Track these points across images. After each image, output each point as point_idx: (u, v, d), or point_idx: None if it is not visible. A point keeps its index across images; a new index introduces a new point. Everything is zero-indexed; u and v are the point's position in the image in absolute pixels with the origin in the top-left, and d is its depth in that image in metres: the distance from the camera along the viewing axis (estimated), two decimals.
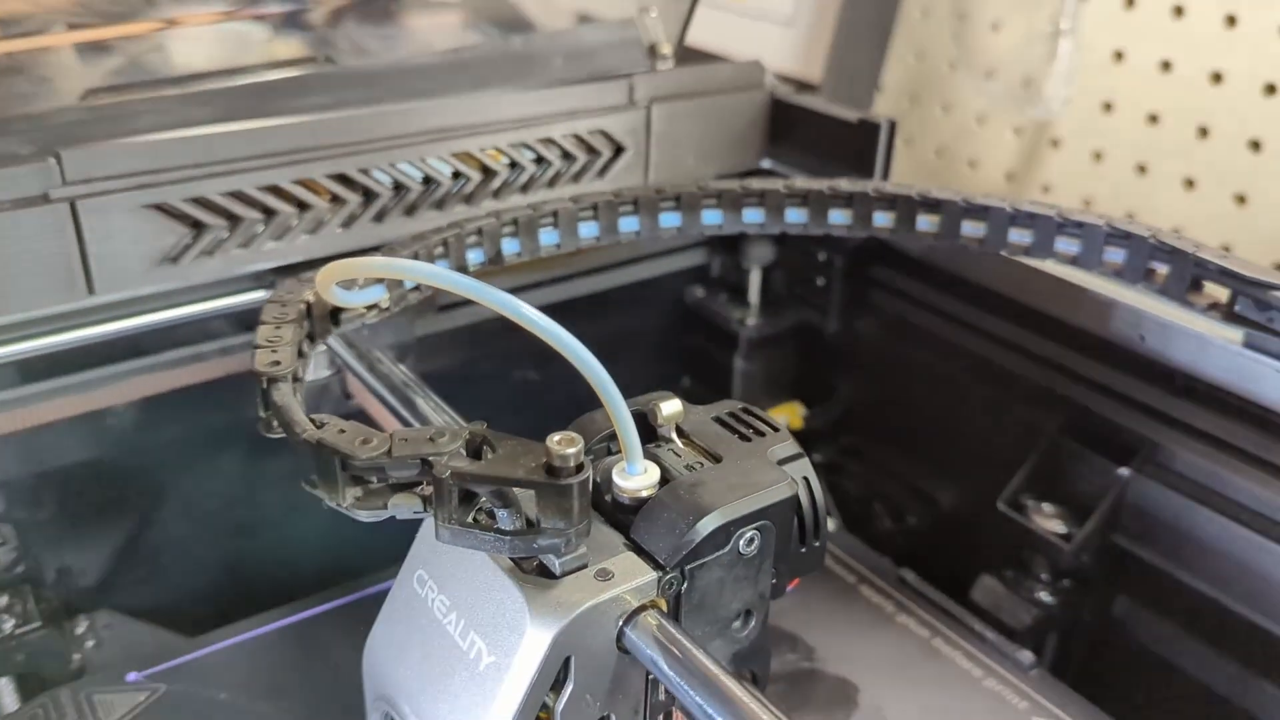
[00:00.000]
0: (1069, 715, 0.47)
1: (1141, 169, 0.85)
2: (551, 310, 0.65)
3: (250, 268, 0.50)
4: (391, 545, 0.40)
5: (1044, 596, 0.54)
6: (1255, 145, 0.77)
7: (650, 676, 0.33)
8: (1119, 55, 0.85)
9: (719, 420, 0.38)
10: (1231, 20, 0.77)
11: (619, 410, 0.32)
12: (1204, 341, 0.48)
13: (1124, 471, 0.52)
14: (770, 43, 1.01)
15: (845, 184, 0.51)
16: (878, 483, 0.65)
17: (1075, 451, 0.54)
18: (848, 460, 0.67)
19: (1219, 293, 0.45)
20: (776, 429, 0.38)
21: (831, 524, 0.59)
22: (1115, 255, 0.46)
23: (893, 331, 0.64)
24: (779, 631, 0.52)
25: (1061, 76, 0.84)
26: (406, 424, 0.46)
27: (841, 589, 0.55)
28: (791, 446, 0.37)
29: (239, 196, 0.49)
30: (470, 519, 0.31)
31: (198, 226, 0.48)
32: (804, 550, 0.37)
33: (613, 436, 0.34)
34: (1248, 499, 0.49)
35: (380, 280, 0.43)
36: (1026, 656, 0.50)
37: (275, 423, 0.34)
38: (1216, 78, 0.79)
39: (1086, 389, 0.55)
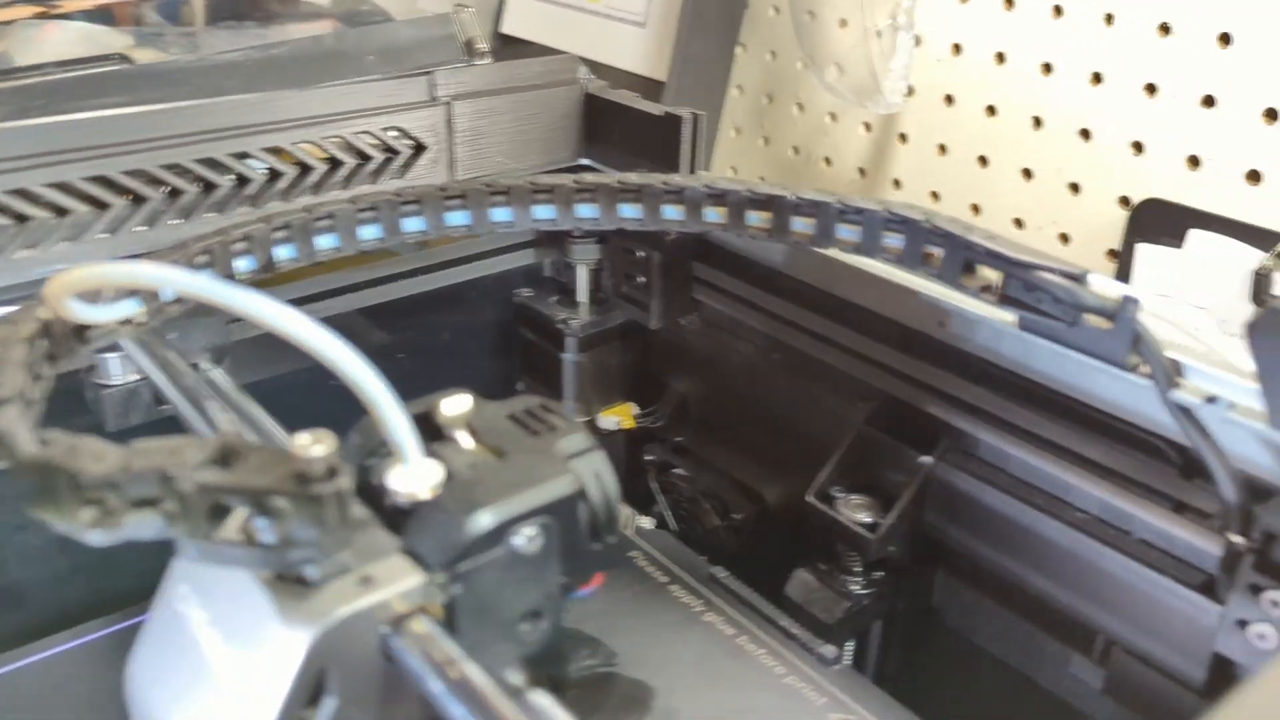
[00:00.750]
0: (865, 710, 0.46)
1: (983, 160, 0.86)
2: (375, 313, 0.62)
3: (41, 271, 0.48)
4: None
5: (855, 588, 0.54)
6: (1085, 134, 0.78)
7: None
8: (957, 48, 0.85)
9: (513, 417, 0.36)
10: (1059, 10, 0.78)
11: (381, 406, 0.31)
12: (995, 327, 0.48)
13: (926, 459, 0.52)
14: (624, 43, 1.00)
15: (635, 177, 0.50)
16: (707, 481, 0.64)
17: (881, 441, 0.54)
18: (678, 459, 0.66)
19: (993, 275, 0.44)
20: (570, 424, 0.37)
21: (647, 522, 0.58)
22: (894, 240, 0.46)
23: (715, 327, 0.64)
24: (579, 635, 0.50)
25: (899, 71, 0.85)
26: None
27: (651, 589, 0.53)
28: (582, 441, 0.36)
29: (25, 195, 0.46)
30: (226, 534, 0.29)
31: None
32: (598, 547, 0.36)
33: None
34: (1042, 481, 0.49)
35: (135, 291, 0.40)
36: (830, 651, 0.49)
37: None
38: (1047, 68, 0.80)
39: (892, 378, 0.54)
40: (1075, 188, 0.80)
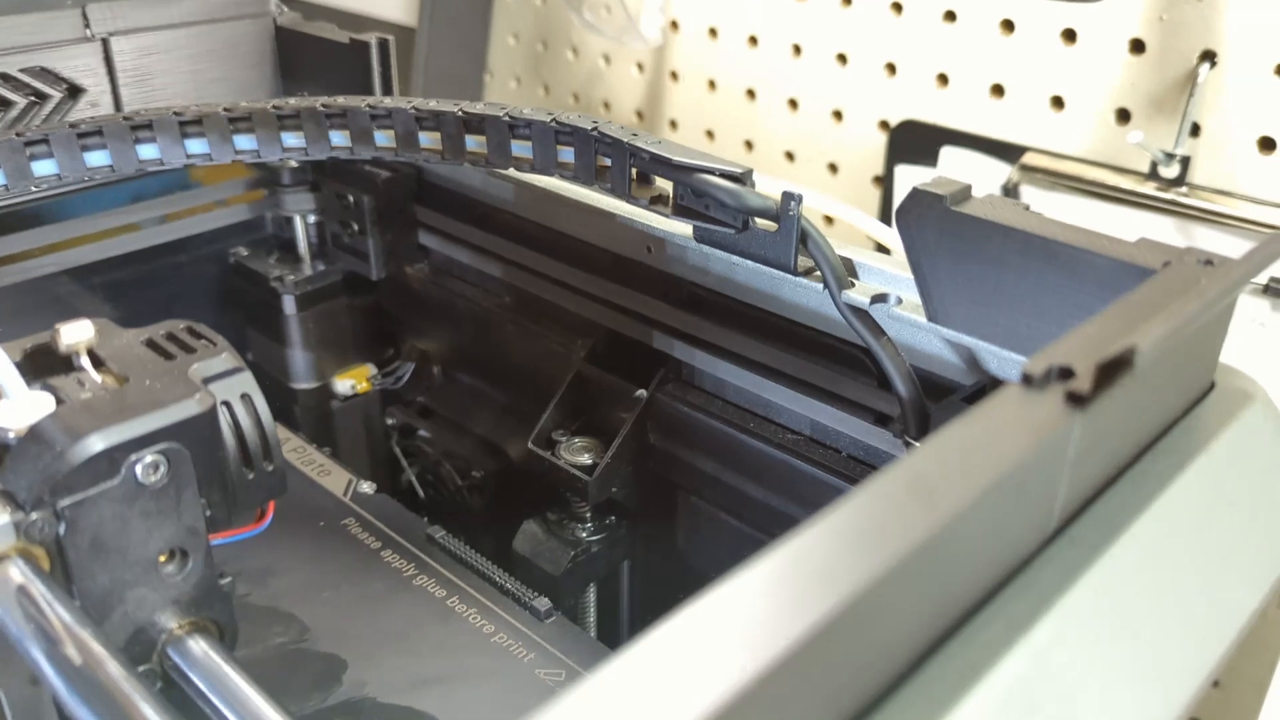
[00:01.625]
0: (576, 661, 0.43)
1: (751, 94, 0.83)
2: (72, 276, 0.55)
3: None
4: None
5: (584, 535, 0.51)
6: (842, 59, 0.77)
7: None
8: None
9: (150, 342, 0.33)
10: None
11: None
12: (691, 246, 0.45)
13: (641, 393, 0.49)
14: None
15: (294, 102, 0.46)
16: (447, 441, 0.60)
17: (599, 379, 0.51)
18: (419, 421, 0.62)
19: (667, 186, 0.41)
20: (214, 343, 0.34)
21: (367, 487, 0.53)
22: (567, 154, 0.42)
23: (444, 274, 0.59)
24: (273, 611, 0.46)
25: (655, 4, 0.81)
26: None
27: (361, 556, 0.49)
28: (227, 361, 0.33)
29: None
30: None
31: None
32: (252, 475, 0.33)
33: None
34: (755, 405, 0.47)
35: None
36: (543, 604, 0.46)
37: None
38: None
39: (609, 311, 0.51)
40: (838, 115, 0.78)
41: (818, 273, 0.39)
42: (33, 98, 0.50)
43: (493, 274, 0.57)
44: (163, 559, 0.31)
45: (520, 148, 0.43)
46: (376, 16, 0.93)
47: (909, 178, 0.73)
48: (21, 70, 0.49)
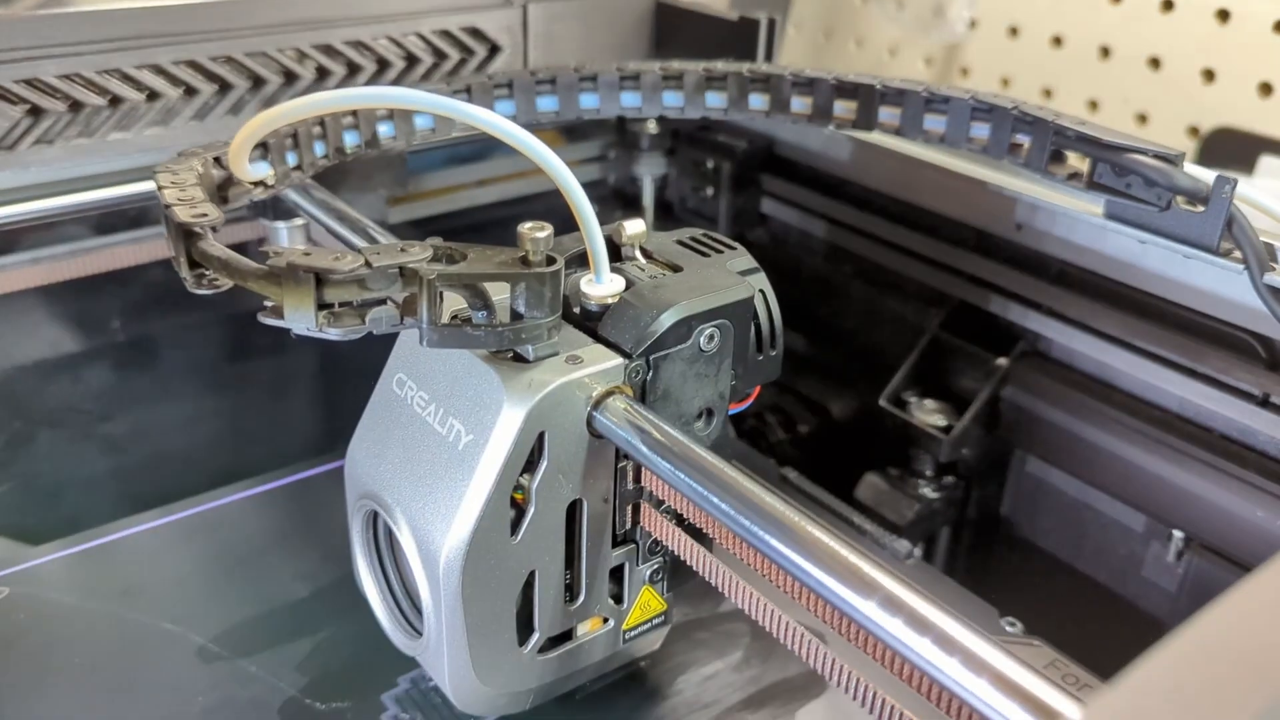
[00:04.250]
0: (939, 596, 0.46)
1: (1048, 93, 0.85)
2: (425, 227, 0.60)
3: (93, 165, 0.48)
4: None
5: (926, 491, 0.54)
6: (1154, 63, 0.77)
7: (620, 466, 0.35)
8: None
9: (681, 243, 0.40)
10: None
11: (589, 221, 0.34)
12: (1072, 222, 0.48)
13: (1001, 362, 0.52)
14: None
15: (721, 65, 0.50)
16: (771, 394, 0.64)
17: (955, 346, 0.54)
18: None
19: (1081, 164, 0.44)
20: (735, 248, 0.40)
21: None
22: (980, 130, 0.46)
23: (782, 239, 0.64)
24: None
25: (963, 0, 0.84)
26: None
27: None
28: (749, 261, 0.40)
29: (80, 80, 0.47)
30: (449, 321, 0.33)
31: (35, 112, 0.46)
32: (760, 358, 0.39)
33: (580, 258, 0.36)
34: (1124, 382, 0.49)
35: (266, 155, 0.40)
36: (903, 546, 0.49)
37: (210, 275, 0.32)
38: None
39: (966, 283, 0.54)
40: (1142, 118, 0.79)
41: (1235, 254, 0.41)
42: (464, 53, 0.56)
43: (836, 242, 0.60)
44: (697, 417, 0.38)
45: (934, 121, 0.47)
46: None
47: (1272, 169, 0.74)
48: (460, 28, 0.55)
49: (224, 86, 0.50)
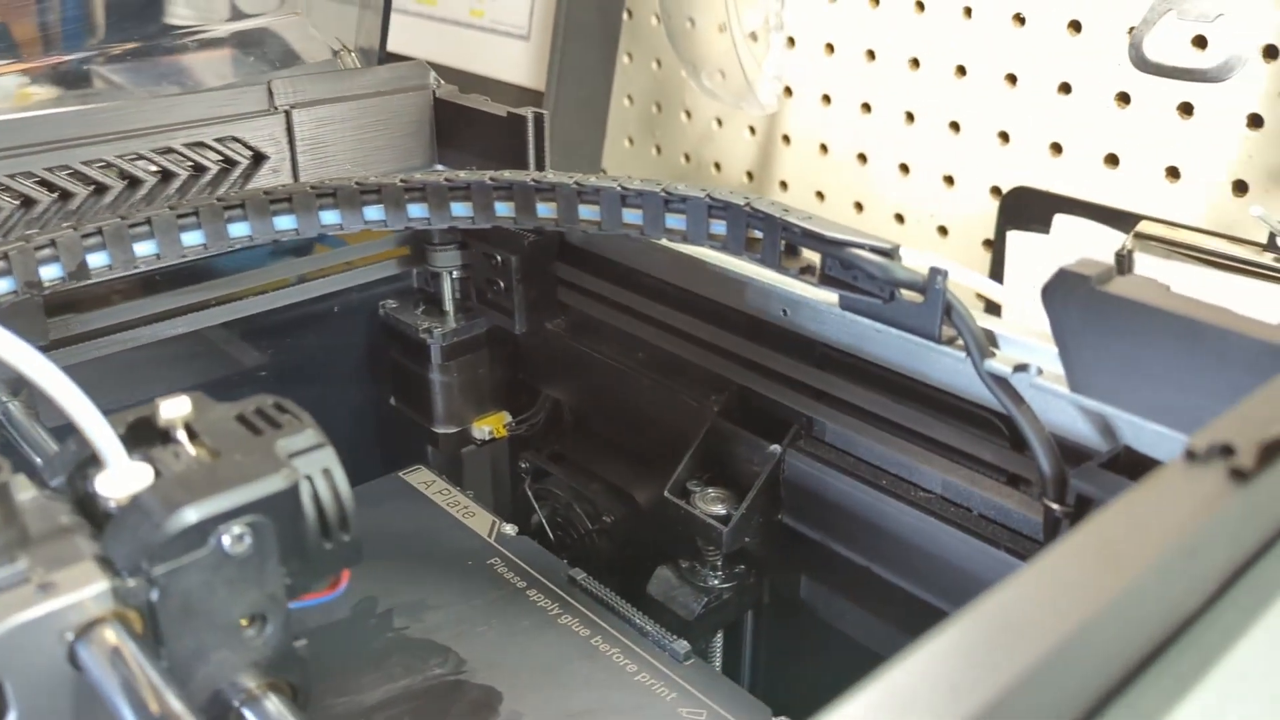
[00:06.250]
0: (715, 702, 0.46)
1: (862, 158, 0.86)
2: (236, 327, 0.59)
3: None
4: None
5: (715, 582, 0.53)
6: (955, 126, 0.79)
7: None
8: (830, 48, 0.86)
9: (241, 417, 0.35)
10: (920, 6, 0.79)
11: (74, 412, 0.30)
12: (832, 312, 0.48)
13: (775, 448, 0.52)
14: (509, 56, 1.00)
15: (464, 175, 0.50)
16: (579, 486, 0.63)
17: (733, 433, 0.54)
18: (554, 466, 0.65)
19: (815, 258, 0.44)
20: (300, 419, 0.35)
21: (510, 529, 0.57)
22: (719, 228, 0.46)
23: (579, 329, 0.63)
24: (430, 644, 0.49)
25: (772, 72, 0.85)
26: None
27: (507, 595, 0.53)
28: (311, 438, 0.35)
29: None
30: None
31: None
32: (330, 546, 0.34)
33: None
34: (884, 463, 0.49)
35: None
36: (682, 646, 0.48)
37: None
38: (915, 63, 0.80)
39: (742, 369, 0.54)
40: (949, 180, 0.81)
41: (959, 341, 0.41)
42: (223, 164, 0.55)
43: (628, 330, 0.60)
44: (244, 623, 0.32)
45: (674, 220, 0.47)
46: (506, 80, 0.98)
47: (1021, 243, 0.75)
48: (216, 140, 0.54)
49: None
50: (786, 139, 0.92)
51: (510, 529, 0.57)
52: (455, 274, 0.66)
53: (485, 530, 0.57)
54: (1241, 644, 0.25)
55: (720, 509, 0.52)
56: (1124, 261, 0.70)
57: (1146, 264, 0.69)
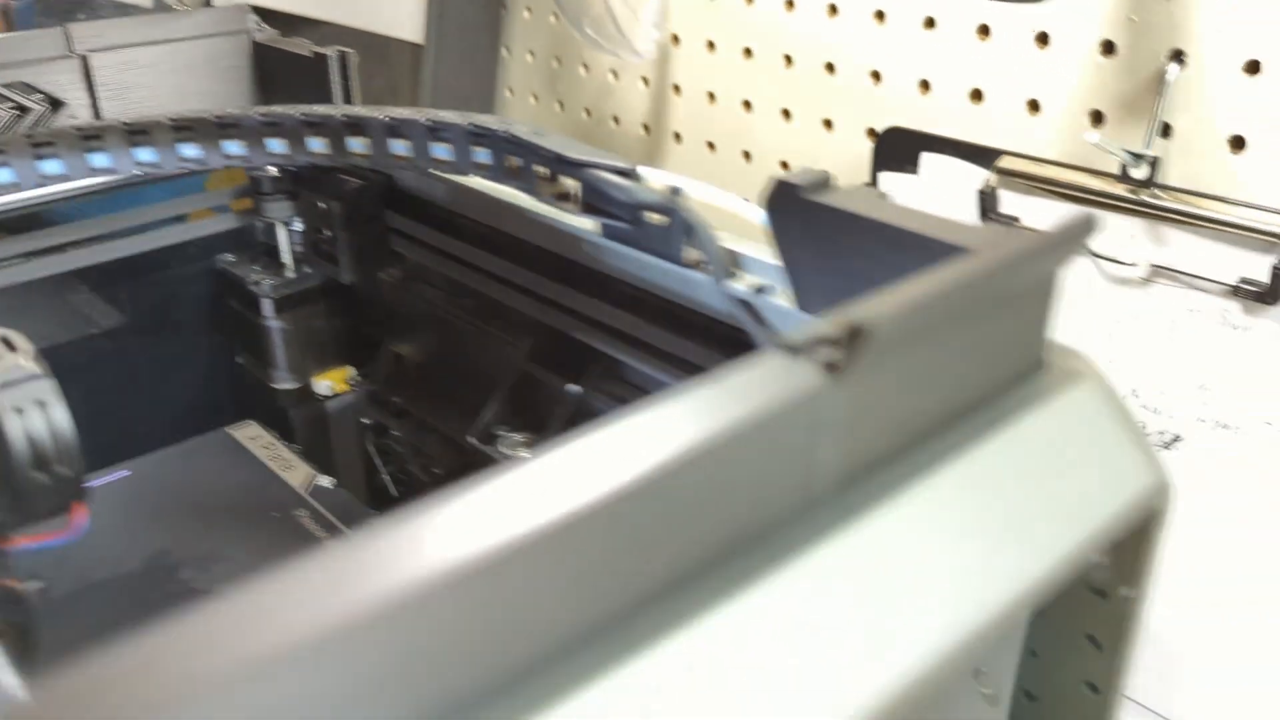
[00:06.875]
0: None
1: (747, 105, 0.84)
2: (73, 277, 0.57)
3: None
4: None
5: None
6: (830, 68, 0.77)
7: None
8: None
9: None
10: None
11: None
12: (619, 247, 0.46)
13: (575, 389, 0.50)
14: (390, 10, 0.98)
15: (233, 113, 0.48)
16: (417, 439, 0.62)
17: (537, 375, 0.52)
18: (393, 421, 0.64)
19: (574, 185, 0.42)
20: (15, 350, 0.34)
21: (326, 481, 0.55)
22: (482, 155, 0.44)
23: (411, 279, 0.61)
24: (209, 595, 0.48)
25: (650, 18, 0.83)
26: None
27: (306, 546, 0.51)
28: (24, 370, 0.34)
29: None
30: None
31: None
32: (44, 479, 0.33)
33: None
34: None
35: None
36: None
37: None
38: (790, 4, 0.78)
39: (554, 311, 0.52)
40: (829, 124, 0.78)
41: (707, 265, 0.40)
42: (16, 110, 0.53)
43: (454, 276, 0.58)
44: None
45: (441, 149, 0.45)
46: (386, 34, 0.96)
47: (891, 184, 0.73)
48: (4, 85, 0.53)
49: None
50: (677, 89, 0.90)
51: (328, 481, 0.56)
52: (293, 224, 0.64)
53: (300, 482, 0.56)
54: (829, 544, 0.23)
55: (524, 453, 0.51)
56: (988, 199, 0.68)
57: (1009, 199, 0.67)
